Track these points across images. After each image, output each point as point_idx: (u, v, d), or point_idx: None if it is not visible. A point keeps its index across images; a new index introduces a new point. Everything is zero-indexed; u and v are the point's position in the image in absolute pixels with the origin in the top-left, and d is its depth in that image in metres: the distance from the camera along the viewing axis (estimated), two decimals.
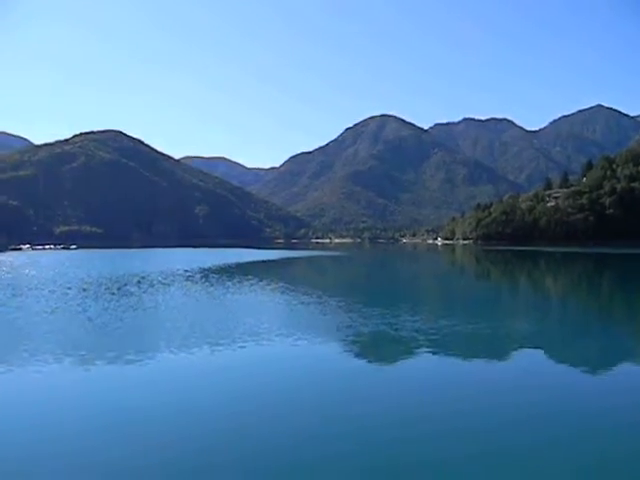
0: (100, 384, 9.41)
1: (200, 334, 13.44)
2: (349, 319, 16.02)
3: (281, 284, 28.98)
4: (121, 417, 7.71)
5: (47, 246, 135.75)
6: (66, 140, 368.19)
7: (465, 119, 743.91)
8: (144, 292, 23.26)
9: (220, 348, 11.93)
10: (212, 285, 27.02)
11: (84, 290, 24.12)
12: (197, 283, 28.19)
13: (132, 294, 22.51)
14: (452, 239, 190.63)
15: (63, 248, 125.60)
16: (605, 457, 6.41)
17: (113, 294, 22.46)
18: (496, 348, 12.85)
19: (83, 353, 11.38)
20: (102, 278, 30.71)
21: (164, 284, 27.07)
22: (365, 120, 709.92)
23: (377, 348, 12.61)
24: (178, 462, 6.14)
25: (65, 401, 8.57)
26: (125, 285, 26.50)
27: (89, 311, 17.48)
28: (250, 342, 12.56)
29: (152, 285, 26.37)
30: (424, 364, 11.00)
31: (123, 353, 11.39)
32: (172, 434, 7.06)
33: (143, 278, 30.55)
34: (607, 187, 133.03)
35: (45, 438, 6.97)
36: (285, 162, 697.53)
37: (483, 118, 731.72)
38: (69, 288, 25.03)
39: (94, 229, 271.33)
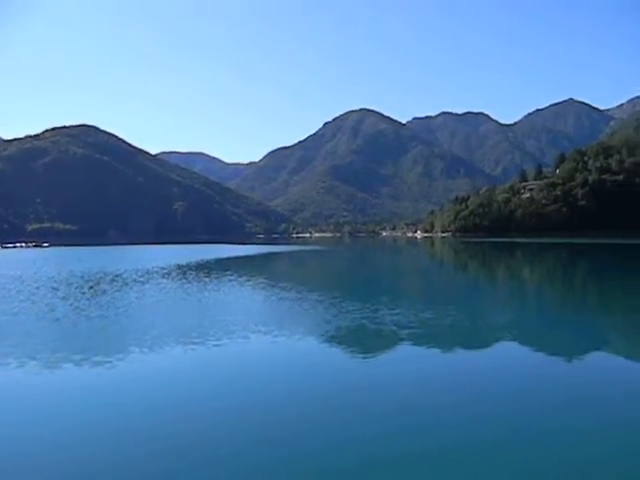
0: (66, 387, 8.95)
1: (173, 332, 13.01)
2: (328, 314, 15.77)
3: (260, 280, 28.58)
4: (90, 419, 7.30)
5: (18, 244, 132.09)
6: (37, 135, 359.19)
7: (443, 113, 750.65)
8: (117, 290, 22.63)
9: (193, 347, 11.52)
10: (189, 282, 26.46)
11: (54, 289, 23.31)
12: (173, 280, 27.59)
13: (104, 293, 21.88)
14: (431, 232, 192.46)
15: (35, 246, 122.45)
16: (586, 449, 6.31)
17: (84, 293, 21.76)
18: (476, 339, 12.77)
19: (48, 355, 10.86)
20: (73, 277, 29.83)
21: (138, 282, 26.41)
22: (344, 114, 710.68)
23: (357, 342, 12.38)
24: (154, 461, 6.03)
25: (27, 406, 8.10)
26: (97, 284, 25.77)
27: (57, 311, 16.84)
28: (225, 339, 12.19)
29: (126, 283, 25.68)
30: (404, 357, 10.86)
31: (91, 354, 10.91)
32: (145, 434, 6.89)
33: (117, 276, 29.78)
34: (579, 179, 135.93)
35: (14, 441, 6.59)
36: (264, 157, 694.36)
37: (460, 112, 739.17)
38: (37, 287, 24.18)
39: (68, 226, 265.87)
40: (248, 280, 28.06)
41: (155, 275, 30.48)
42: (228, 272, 33.64)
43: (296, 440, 6.64)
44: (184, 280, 27.50)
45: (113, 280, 27.24)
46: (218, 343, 11.87)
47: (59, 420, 7.48)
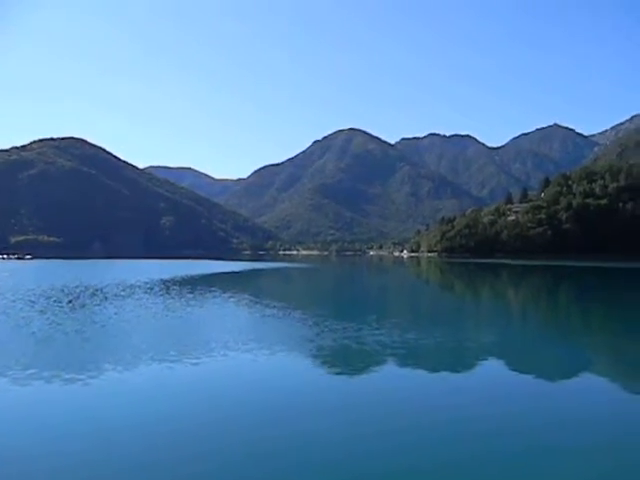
0: (31, 403, 8.59)
1: (150, 349, 12.67)
2: (310, 333, 15.54)
3: (244, 296, 28.21)
4: (61, 435, 6.97)
5: (0, 256, 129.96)
6: (23, 146, 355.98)
7: (430, 134, 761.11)
8: (96, 305, 22.14)
9: (170, 364, 11.20)
10: (171, 297, 26.03)
11: (31, 302, 22.74)
12: (155, 295, 27.13)
13: (83, 307, 21.40)
14: (417, 251, 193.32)
15: (17, 258, 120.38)
16: (570, 470, 6.22)
17: (62, 307, 21.24)
18: (459, 360, 12.65)
19: (18, 371, 10.46)
20: (53, 290, 29.20)
21: (119, 296, 25.92)
22: (333, 133, 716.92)
23: (339, 362, 12.18)
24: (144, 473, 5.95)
25: None
26: (77, 298, 25.22)
27: (32, 325, 16.37)
28: (204, 357, 11.89)
29: (106, 298, 25.16)
30: (386, 377, 10.73)
31: (64, 371, 10.53)
32: (120, 451, 6.67)
33: (97, 290, 29.23)
34: (563, 203, 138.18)
35: None
36: (253, 173, 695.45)
37: (448, 134, 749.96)
38: (14, 300, 23.59)
39: (53, 239, 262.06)
40: (231, 297, 27.67)
41: (137, 290, 29.97)
42: (212, 288, 33.25)
43: (275, 458, 6.47)
44: (166, 295, 27.05)
45: (93, 294, 26.70)
46: (196, 361, 11.57)
47: (26, 436, 7.14)
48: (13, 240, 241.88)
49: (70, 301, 23.60)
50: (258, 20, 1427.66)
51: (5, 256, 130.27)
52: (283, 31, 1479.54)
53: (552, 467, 6.24)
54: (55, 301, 23.41)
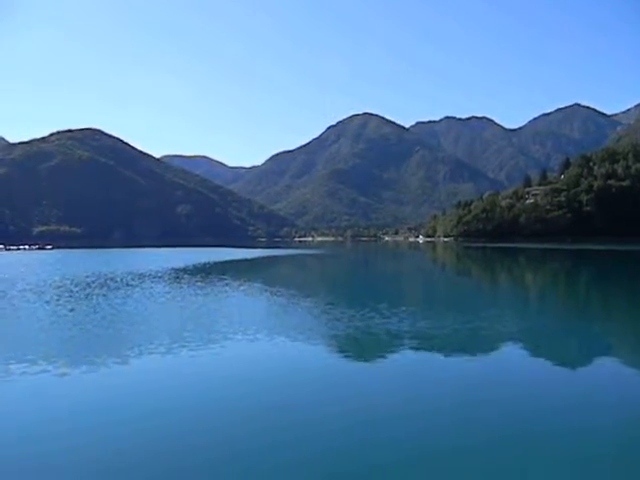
0: (45, 393, 8.30)
1: (155, 338, 12.34)
2: (320, 321, 15.14)
3: (255, 284, 27.91)
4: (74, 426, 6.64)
5: (22, 246, 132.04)
6: (43, 138, 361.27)
7: (446, 117, 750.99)
8: (102, 295, 21.91)
9: (172, 355, 10.88)
10: (180, 286, 25.83)
11: (40, 292, 22.65)
12: (165, 284, 26.97)
13: (88, 297, 21.16)
14: (433, 236, 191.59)
15: (39, 248, 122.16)
16: (589, 454, 6.21)
17: (70, 296, 21.11)
18: (474, 346, 12.15)
19: (17, 360, 10.19)
20: (65, 279, 29.25)
21: (130, 285, 25.80)
22: (347, 118, 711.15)
23: (350, 350, 11.82)
24: (150, 465, 5.98)
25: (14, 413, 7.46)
26: (87, 287, 25.11)
27: (36, 315, 16.21)
28: (207, 347, 11.51)
29: (112, 288, 24.98)
30: (400, 364, 10.46)
31: (57, 361, 10.25)
32: (139, 439, 6.77)
33: (109, 279, 29.16)
34: (584, 185, 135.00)
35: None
36: (267, 160, 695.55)
37: (464, 117, 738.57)
38: (22, 290, 23.58)
39: (73, 229, 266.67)
40: (241, 285, 27.34)
41: (149, 278, 29.86)
42: (224, 276, 32.97)
43: (297, 445, 6.50)
44: (176, 284, 26.87)
45: (103, 285, 26.57)
46: (197, 351, 11.22)
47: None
48: (36, 231, 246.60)
49: (78, 290, 23.47)
50: (273, 7, 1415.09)
51: (27, 247, 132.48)
52: (297, 18, 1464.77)
53: (565, 452, 6.24)
54: (64, 290, 23.34)
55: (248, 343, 12.15)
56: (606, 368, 10.45)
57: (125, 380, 9.37)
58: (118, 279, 29.32)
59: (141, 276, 31.62)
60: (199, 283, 27.42)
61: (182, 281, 28.58)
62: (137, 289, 24.07)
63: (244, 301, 20.40)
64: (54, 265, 47.39)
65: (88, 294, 21.92)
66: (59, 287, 25.06)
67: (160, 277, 31.00)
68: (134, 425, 7.20)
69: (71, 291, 23.24)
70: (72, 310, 17.34)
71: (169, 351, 11.24)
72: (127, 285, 25.91)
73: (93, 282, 27.42)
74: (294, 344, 12.20)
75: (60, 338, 12.83)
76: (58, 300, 19.96)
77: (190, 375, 9.68)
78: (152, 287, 25.01)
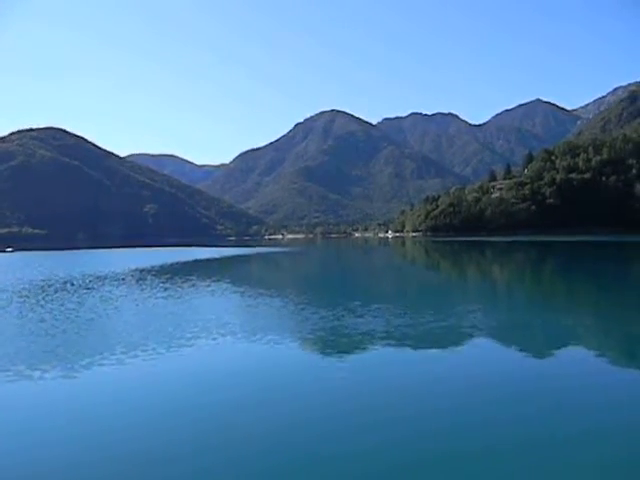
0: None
1: (105, 347, 11.45)
2: (291, 321, 14.57)
3: (224, 284, 26.96)
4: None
5: None
6: (2, 138, 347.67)
7: (412, 114, 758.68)
8: (54, 301, 20.72)
9: (134, 360, 10.12)
10: (142, 289, 24.73)
11: None
12: (126, 286, 25.81)
13: (44, 302, 19.95)
14: (402, 232, 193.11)
15: None
16: (576, 455, 6.00)
17: (20, 302, 19.84)
18: (449, 343, 11.80)
19: None
20: (19, 284, 27.71)
21: (88, 289, 24.56)
22: (315, 115, 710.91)
23: (327, 350, 11.28)
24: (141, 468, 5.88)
25: None
26: (42, 291, 23.76)
27: None
28: (165, 351, 10.75)
29: (69, 291, 23.74)
30: (375, 364, 10.06)
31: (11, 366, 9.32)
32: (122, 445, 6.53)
33: (64, 283, 27.74)
34: (547, 178, 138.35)
35: None
36: (235, 158, 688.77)
37: (429, 113, 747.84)
38: None
39: (36, 231, 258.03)
40: (209, 285, 26.34)
41: (107, 281, 28.59)
42: (191, 276, 31.93)
43: (284, 448, 6.30)
44: (137, 285, 25.76)
45: (59, 289, 25.22)
46: (160, 355, 10.48)
47: None
48: None
49: (27, 296, 22.15)
50: (234, 14, 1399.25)
51: None
52: (265, 20, 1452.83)
53: (558, 453, 5.97)
54: (13, 294, 21.99)
55: (210, 348, 11.41)
56: (589, 364, 10.17)
57: (68, 393, 8.54)
58: (76, 282, 27.94)
59: (100, 278, 30.29)
60: (163, 285, 26.34)
61: (145, 283, 27.43)
62: (94, 293, 22.88)
63: (210, 303, 19.53)
64: (7, 269, 45.17)
65: (39, 300, 20.65)
66: (5, 291, 23.63)
67: (121, 279, 29.74)
68: (118, 429, 6.97)
69: (24, 296, 21.90)
70: (20, 317, 16.18)
71: (119, 361, 10.34)
72: (84, 289, 24.65)
73: (49, 286, 26.03)
74: (261, 347, 11.51)
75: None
76: (6, 307, 18.68)
77: (143, 386, 8.94)
78: (111, 290, 23.83)
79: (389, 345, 11.34)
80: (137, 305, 18.58)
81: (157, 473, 5.70)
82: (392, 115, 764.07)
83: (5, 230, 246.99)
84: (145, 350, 11.16)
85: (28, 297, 21.69)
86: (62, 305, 18.77)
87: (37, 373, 9.62)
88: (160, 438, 6.60)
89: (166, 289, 24.01)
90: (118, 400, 8.21)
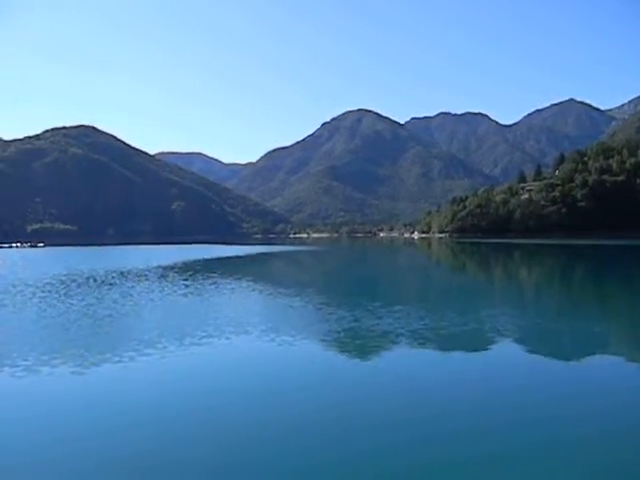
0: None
1: (117, 344, 11.43)
2: (311, 320, 14.29)
3: (245, 282, 26.60)
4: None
5: (14, 244, 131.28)
6: (36, 136, 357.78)
7: (441, 113, 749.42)
8: (75, 295, 20.98)
9: (153, 357, 10.11)
10: (163, 285, 24.85)
11: (6, 292, 21.73)
12: (147, 282, 26.00)
13: (65, 296, 20.23)
14: (428, 233, 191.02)
15: (30, 246, 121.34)
16: (599, 460, 5.91)
17: (32, 298, 20.04)
18: (473, 346, 11.48)
19: None
20: (43, 278, 28.28)
21: (110, 284, 24.86)
22: (342, 115, 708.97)
23: (349, 350, 11.06)
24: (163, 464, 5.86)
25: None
26: (64, 286, 24.14)
27: None
28: (178, 348, 10.65)
29: (98, 286, 24.06)
30: (406, 363, 9.98)
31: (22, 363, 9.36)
32: (148, 439, 6.56)
33: (87, 278, 28.16)
34: (579, 180, 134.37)
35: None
36: (262, 157, 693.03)
37: (459, 112, 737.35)
38: None
39: (68, 226, 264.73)
40: (230, 283, 26.23)
41: (130, 277, 28.90)
42: (213, 274, 32.01)
43: (304, 448, 6.25)
44: (159, 282, 25.92)
45: (82, 284, 25.58)
46: (178, 351, 10.35)
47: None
48: (30, 229, 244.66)
49: (49, 290, 22.49)
50: (263, 15, 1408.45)
51: (19, 244, 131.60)
52: (292, 21, 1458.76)
53: (572, 458, 5.93)
54: (36, 288, 22.39)
55: (224, 347, 11.22)
56: (613, 369, 9.87)
57: (79, 391, 8.47)
58: (98, 278, 28.35)
59: (123, 274, 30.67)
60: (184, 282, 26.41)
61: (166, 280, 27.62)
62: (115, 289, 23.09)
63: (229, 301, 19.42)
64: (38, 263, 46.31)
65: (60, 295, 20.94)
66: (29, 285, 24.10)
67: (144, 275, 30.05)
68: (131, 431, 6.84)
69: (46, 291, 22.27)
70: (39, 312, 16.38)
71: (130, 359, 10.25)
72: (106, 284, 24.94)
73: (72, 281, 26.45)
74: (275, 348, 11.25)
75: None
76: (27, 302, 18.99)
77: (152, 385, 8.80)
78: (132, 287, 24.03)
79: (407, 348, 11.06)
80: (155, 302, 18.59)
81: (163, 474, 5.60)
82: (420, 115, 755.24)
83: (38, 225, 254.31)
84: (158, 348, 11.06)
85: (50, 292, 21.97)
86: (82, 300, 18.95)
87: (46, 369, 9.58)
88: (170, 438, 6.49)
89: (187, 286, 24.04)
90: (125, 398, 8.10)
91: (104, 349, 11.07)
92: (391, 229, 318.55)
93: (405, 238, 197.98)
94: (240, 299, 19.74)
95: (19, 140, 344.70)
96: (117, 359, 10.24)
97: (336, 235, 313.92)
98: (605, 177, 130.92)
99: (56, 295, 20.70)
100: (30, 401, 8.04)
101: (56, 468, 5.73)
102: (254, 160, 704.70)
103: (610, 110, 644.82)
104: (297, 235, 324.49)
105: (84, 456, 5.96)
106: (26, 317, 15.51)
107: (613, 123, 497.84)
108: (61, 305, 17.70)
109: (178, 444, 6.24)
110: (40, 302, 18.64)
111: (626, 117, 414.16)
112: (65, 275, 30.42)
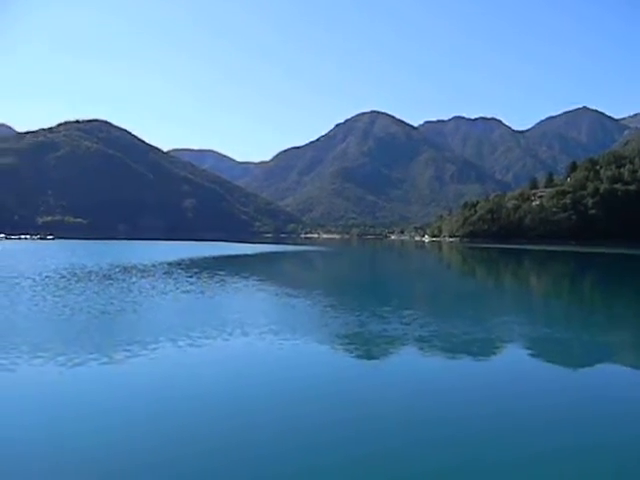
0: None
1: (108, 344, 11.34)
2: (316, 323, 14.29)
3: (252, 281, 26.32)
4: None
5: (23, 236, 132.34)
6: (50, 129, 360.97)
7: (455, 117, 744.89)
8: (76, 289, 21.13)
9: (153, 355, 10.10)
10: (166, 282, 24.89)
11: (14, 285, 21.94)
12: (151, 278, 26.14)
13: (62, 290, 20.39)
14: (439, 236, 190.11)
15: (40, 238, 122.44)
16: (608, 467, 5.92)
17: (34, 290, 20.11)
18: (488, 351, 11.59)
19: None
20: (46, 270, 28.50)
21: (111, 279, 24.99)
22: (355, 116, 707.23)
23: (355, 354, 11.03)
24: (164, 464, 5.83)
25: None
26: (64, 280, 24.32)
27: None
28: (172, 348, 10.68)
29: (99, 281, 24.24)
30: (412, 367, 10.06)
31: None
32: (151, 439, 6.55)
33: (89, 272, 28.33)
34: (590, 188, 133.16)
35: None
36: (275, 156, 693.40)
37: (472, 117, 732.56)
38: None
39: (78, 220, 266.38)
40: (236, 282, 25.94)
41: (133, 272, 29.07)
42: (220, 272, 32.06)
43: (296, 454, 6.13)
44: (162, 279, 25.96)
45: (82, 278, 25.72)
46: (178, 349, 10.39)
47: None
48: (40, 221, 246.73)
49: (51, 284, 22.64)
50: (277, 15, 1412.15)
51: (28, 236, 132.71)
52: (305, 22, 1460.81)
53: (582, 466, 5.94)
54: (36, 281, 22.59)
55: (221, 349, 11.11)
56: (619, 377, 9.97)
57: (75, 387, 8.44)
58: (100, 272, 28.51)
59: (127, 270, 30.90)
60: (189, 279, 26.38)
61: (170, 276, 27.68)
62: (115, 284, 23.12)
63: (232, 300, 19.37)
64: (44, 255, 46.69)
65: (59, 288, 21.07)
66: (28, 278, 24.27)
67: (150, 271, 30.26)
68: (136, 427, 6.89)
69: (45, 284, 22.46)
70: (33, 305, 16.36)
71: (113, 361, 10.12)
72: (107, 279, 25.05)
73: (72, 275, 26.61)
74: (275, 349, 11.13)
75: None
76: (21, 294, 19.18)
77: (144, 386, 8.73)
78: (133, 282, 24.09)
79: (412, 354, 11.03)
80: (154, 299, 18.51)
81: (163, 474, 5.56)
82: (434, 118, 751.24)
83: (49, 218, 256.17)
84: (151, 348, 10.87)
85: (47, 285, 21.98)
86: (81, 294, 18.92)
87: (39, 361, 9.58)
88: (172, 436, 6.48)
89: (191, 284, 23.92)
90: (115, 397, 8.03)
91: (92, 347, 10.89)
92: (402, 232, 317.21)
93: (416, 241, 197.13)
94: (243, 299, 19.68)
95: (33, 132, 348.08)
96: (106, 359, 10.01)
97: (347, 236, 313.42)
98: (616, 186, 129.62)
99: (53, 289, 20.72)
100: (10, 399, 8.04)
101: (45, 466, 5.70)
102: (267, 159, 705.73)
103: (623, 119, 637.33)
104: (308, 235, 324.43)
105: (73, 454, 5.93)
106: (16, 311, 15.41)
107: (626, 132, 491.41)
108: (55, 299, 17.61)
109: (177, 444, 6.21)
110: (35, 296, 18.48)
111: (639, 126, 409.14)
112: (66, 269, 30.56)
